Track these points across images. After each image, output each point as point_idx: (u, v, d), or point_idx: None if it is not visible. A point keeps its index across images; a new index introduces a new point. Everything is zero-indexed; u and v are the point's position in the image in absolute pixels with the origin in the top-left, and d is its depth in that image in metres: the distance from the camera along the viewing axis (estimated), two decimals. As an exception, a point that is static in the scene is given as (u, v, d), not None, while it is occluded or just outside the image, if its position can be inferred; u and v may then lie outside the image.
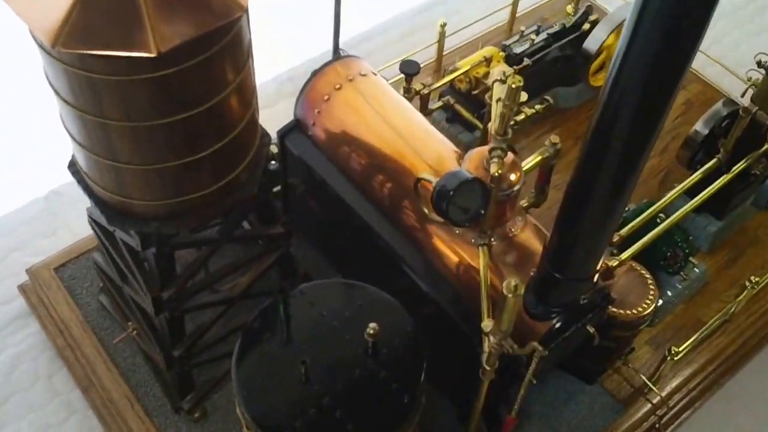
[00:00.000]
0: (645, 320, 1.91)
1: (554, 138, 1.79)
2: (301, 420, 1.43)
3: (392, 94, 1.98)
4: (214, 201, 1.56)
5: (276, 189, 2.10)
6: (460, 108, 2.46)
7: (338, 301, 1.60)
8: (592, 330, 1.69)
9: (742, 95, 2.17)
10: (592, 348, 1.80)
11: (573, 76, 2.63)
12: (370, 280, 1.64)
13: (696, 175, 2.14)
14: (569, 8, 2.94)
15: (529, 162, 1.78)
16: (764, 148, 2.10)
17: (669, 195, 2.10)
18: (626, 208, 2.24)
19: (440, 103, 2.46)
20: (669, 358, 1.98)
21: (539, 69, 2.56)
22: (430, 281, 1.76)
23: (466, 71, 2.39)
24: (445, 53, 2.74)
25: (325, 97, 1.94)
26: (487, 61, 2.39)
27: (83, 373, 2.04)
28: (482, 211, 1.58)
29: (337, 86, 1.94)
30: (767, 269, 2.27)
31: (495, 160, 1.55)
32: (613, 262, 1.90)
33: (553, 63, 2.57)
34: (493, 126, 1.57)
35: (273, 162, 1.81)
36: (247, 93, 1.51)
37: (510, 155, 1.63)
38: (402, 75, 2.17)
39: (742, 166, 2.15)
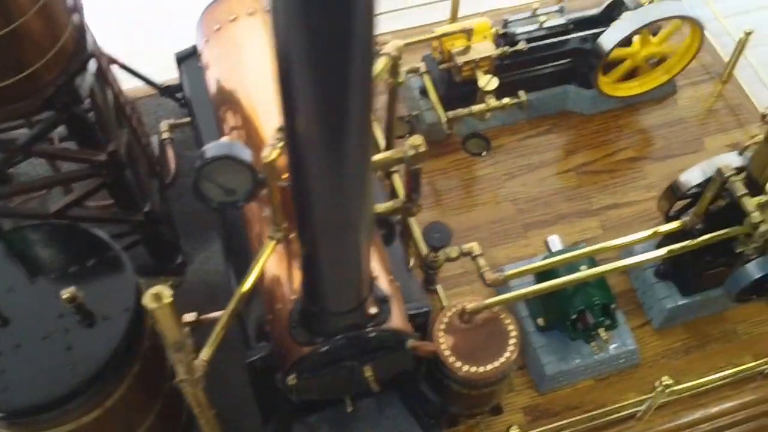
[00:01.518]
0: (487, 382, 1.55)
1: (416, 140, 1.44)
2: None
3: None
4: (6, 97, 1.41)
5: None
6: (427, 79, 2.11)
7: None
8: (369, 372, 1.38)
9: (740, 152, 1.66)
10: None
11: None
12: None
13: (645, 236, 1.69)
14: (643, -2, 2.46)
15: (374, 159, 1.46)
16: (744, 225, 1.60)
17: (598, 246, 1.68)
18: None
19: (407, 68, 2.12)
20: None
21: (544, 59, 2.13)
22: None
23: (439, 38, 2.02)
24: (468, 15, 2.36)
25: (216, 27, 1.70)
26: (467, 33, 2.00)
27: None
28: (249, 197, 1.29)
29: (233, 17, 1.69)
30: (725, 375, 1.80)
31: (273, 143, 1.26)
32: (471, 305, 1.56)
33: (561, 56, 2.13)
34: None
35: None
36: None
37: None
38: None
39: (712, 239, 1.66)
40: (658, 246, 1.86)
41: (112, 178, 1.64)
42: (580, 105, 2.23)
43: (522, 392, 1.82)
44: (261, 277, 1.42)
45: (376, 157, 1.46)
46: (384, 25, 2.37)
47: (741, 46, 2.18)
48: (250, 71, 1.63)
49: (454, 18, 2.33)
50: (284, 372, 1.34)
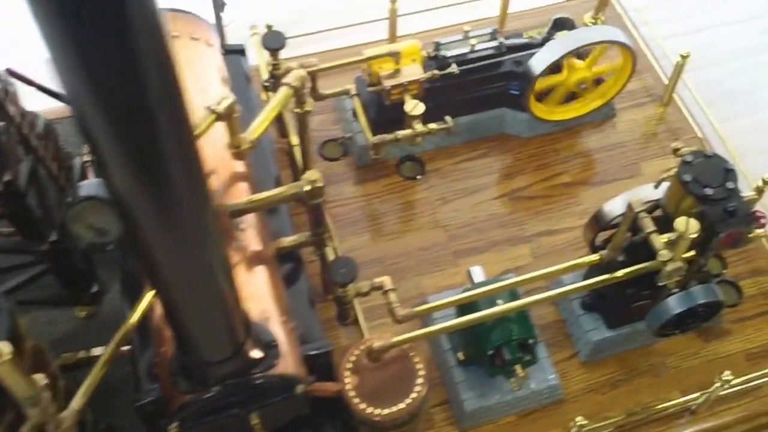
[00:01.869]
0: (394, 423, 1.51)
1: (313, 174, 1.40)
2: None
3: (206, 76, 1.64)
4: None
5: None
6: (357, 102, 2.07)
7: None
8: (255, 420, 1.33)
9: (656, 185, 1.61)
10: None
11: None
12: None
13: (562, 268, 1.65)
14: (587, 17, 2.42)
15: (263, 196, 1.41)
16: (655, 261, 1.55)
17: (516, 278, 1.64)
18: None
19: (338, 90, 2.07)
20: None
21: (477, 82, 2.09)
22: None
23: (366, 61, 1.97)
24: (406, 34, 2.31)
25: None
26: (395, 56, 1.96)
27: None
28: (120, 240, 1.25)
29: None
30: (646, 411, 1.75)
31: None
32: (378, 343, 1.52)
33: (494, 79, 2.09)
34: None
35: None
36: None
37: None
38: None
39: (630, 273, 1.62)
40: (585, 277, 1.83)
41: (10, 209, 1.59)
42: (517, 128, 2.18)
43: (442, 429, 1.78)
44: (151, 313, 1.38)
45: (268, 194, 1.42)
46: (321, 44, 2.37)
47: (678, 70, 2.14)
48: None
49: (392, 38, 2.30)
50: (168, 419, 1.30)
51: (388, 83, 1.96)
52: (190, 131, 0.81)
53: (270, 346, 1.31)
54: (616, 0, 2.46)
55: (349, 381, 1.52)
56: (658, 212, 1.58)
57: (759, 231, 1.65)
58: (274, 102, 1.45)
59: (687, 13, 2.64)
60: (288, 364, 1.34)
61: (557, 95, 2.09)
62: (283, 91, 1.45)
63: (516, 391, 1.74)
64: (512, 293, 1.75)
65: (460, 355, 1.76)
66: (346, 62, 1.95)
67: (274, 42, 1.82)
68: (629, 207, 1.51)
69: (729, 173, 1.48)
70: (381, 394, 1.51)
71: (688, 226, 1.43)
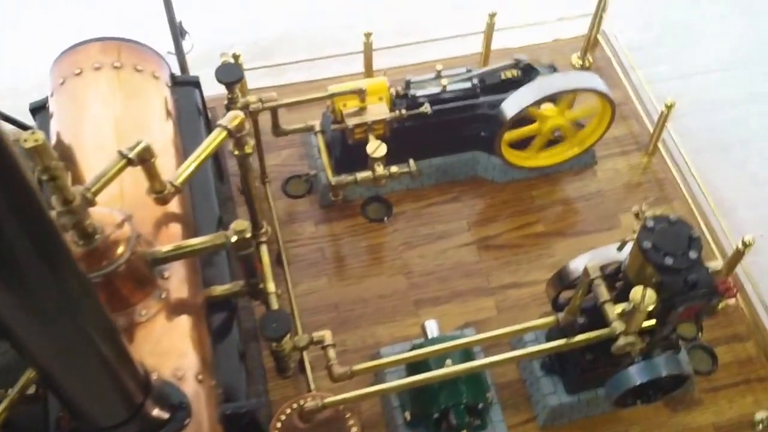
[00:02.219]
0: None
1: (240, 224, 1.31)
2: None
3: (147, 110, 1.57)
4: None
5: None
6: (320, 139, 1.98)
7: None
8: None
9: (620, 248, 1.51)
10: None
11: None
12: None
13: (513, 329, 1.55)
14: (574, 58, 2.33)
15: (185, 245, 1.32)
16: (608, 331, 1.44)
17: (466, 339, 1.54)
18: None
19: (301, 126, 1.99)
20: None
21: (448, 123, 1.99)
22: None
23: (331, 98, 1.89)
24: (384, 68, 2.23)
25: (61, 80, 1.59)
26: (360, 94, 1.87)
27: None
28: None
29: (78, 71, 1.57)
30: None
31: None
32: (309, 403, 1.42)
33: (467, 121, 1.99)
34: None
35: None
36: None
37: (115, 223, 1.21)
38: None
39: (585, 339, 1.51)
40: (547, 337, 1.73)
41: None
42: (491, 172, 2.09)
43: (385, 491, 1.68)
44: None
45: (190, 242, 1.34)
46: (296, 74, 2.30)
47: (663, 120, 2.04)
48: (86, 128, 1.51)
49: (367, 72, 2.22)
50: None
51: (351, 122, 1.88)
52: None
53: (179, 407, 1.22)
54: (606, 41, 2.37)
55: (277, 443, 1.43)
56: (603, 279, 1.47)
57: (729, 301, 1.54)
58: (204, 144, 1.36)
59: (683, 56, 2.53)
60: (200, 425, 1.25)
61: (538, 142, 2.00)
62: (215, 134, 1.37)
63: (464, 457, 1.63)
64: (466, 352, 1.65)
65: (407, 415, 1.65)
66: (308, 99, 1.87)
67: (228, 75, 1.74)
68: (585, 271, 1.41)
69: (693, 242, 1.37)
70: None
71: (644, 297, 1.32)
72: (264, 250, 1.72)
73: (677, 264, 1.35)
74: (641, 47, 2.54)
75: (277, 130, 1.97)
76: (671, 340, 1.62)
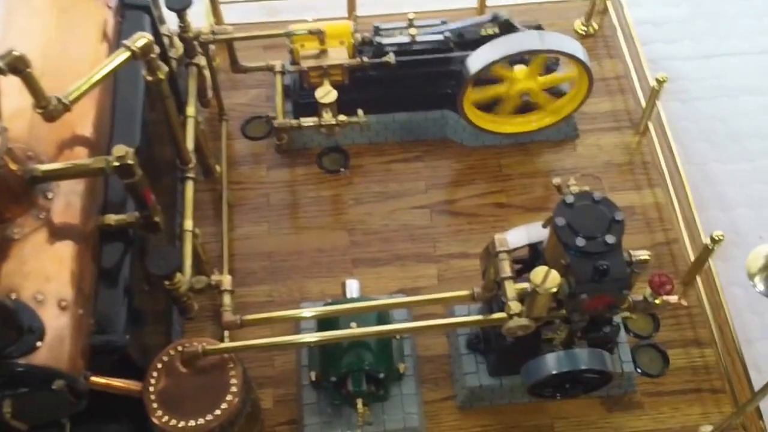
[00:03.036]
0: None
1: (120, 150, 1.23)
2: None
3: (79, 32, 1.49)
4: None
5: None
6: (279, 80, 1.88)
7: None
8: (7, 409, 1.19)
9: (544, 225, 1.36)
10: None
11: (468, 104, 1.89)
12: None
13: (424, 298, 1.43)
14: (578, 23, 2.17)
15: (63, 166, 1.25)
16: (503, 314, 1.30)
17: (376, 302, 1.44)
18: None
19: (261, 64, 1.89)
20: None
21: (415, 76, 1.87)
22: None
23: (287, 36, 1.78)
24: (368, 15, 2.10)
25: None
26: (319, 35, 1.76)
27: None
28: None
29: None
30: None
31: None
32: (189, 348, 1.35)
33: (436, 76, 1.86)
34: None
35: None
36: None
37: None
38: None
39: (475, 321, 1.38)
40: (480, 312, 1.61)
41: None
42: (461, 135, 1.95)
43: (283, 451, 1.60)
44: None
45: (69, 164, 1.26)
46: (290, 15, 2.17)
47: (654, 96, 1.85)
48: (9, 37, 1.44)
49: (350, 15, 2.10)
50: None
51: (306, 64, 1.77)
52: None
53: (29, 331, 1.16)
54: (617, 9, 2.17)
55: (154, 382, 1.36)
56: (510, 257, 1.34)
57: (669, 298, 1.38)
58: (104, 64, 1.28)
59: (708, 38, 2.30)
60: (57, 352, 1.19)
61: (507, 105, 1.85)
62: (117, 53, 1.29)
63: (364, 426, 1.54)
64: (381, 318, 1.55)
65: (312, 375, 1.57)
66: (262, 35, 1.78)
67: (177, 2, 1.66)
68: (492, 244, 1.28)
69: (614, 225, 1.23)
70: (183, 404, 1.34)
71: (545, 278, 1.19)
72: (189, 186, 1.65)
73: (589, 247, 1.21)
74: (663, 22, 2.34)
75: (235, 66, 1.88)
76: (607, 335, 1.48)
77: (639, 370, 1.65)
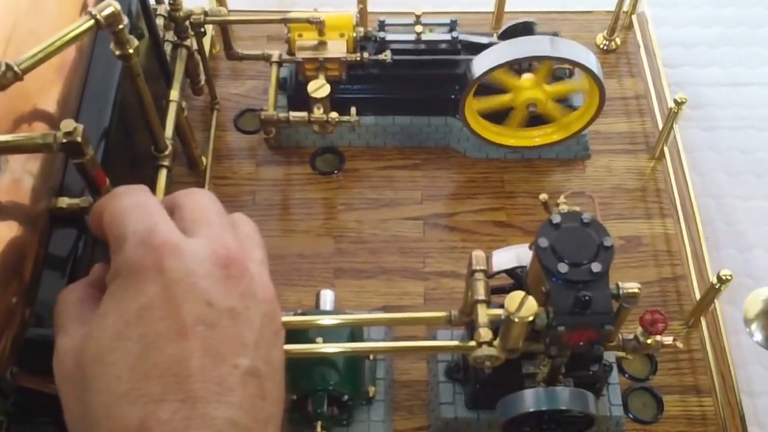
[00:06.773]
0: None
1: (68, 125, 1.13)
2: None
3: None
4: None
5: None
6: (274, 70, 1.77)
7: None
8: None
9: (531, 245, 1.24)
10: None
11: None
12: None
13: (399, 316, 1.31)
14: (600, 37, 2.04)
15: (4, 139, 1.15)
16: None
17: (347, 317, 1.32)
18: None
19: (257, 52, 1.79)
20: None
21: (418, 79, 1.75)
22: None
23: (284, 23, 1.68)
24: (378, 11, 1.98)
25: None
26: (318, 25, 1.65)
27: None
28: None
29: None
30: None
31: None
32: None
33: (441, 79, 1.74)
34: None
35: None
36: None
37: None
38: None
39: (444, 347, 1.24)
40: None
41: None
42: (464, 144, 1.83)
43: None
44: None
45: (11, 136, 1.17)
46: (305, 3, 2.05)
47: (671, 118, 1.72)
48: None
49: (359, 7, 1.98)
50: None
51: (301, 54, 1.67)
52: None
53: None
54: (642, 25, 2.04)
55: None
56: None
57: (662, 339, 1.24)
58: (63, 32, 1.19)
59: (730, 62, 2.13)
60: None
61: (516, 117, 1.73)
62: (79, 21, 1.19)
63: (319, 453, 1.42)
64: (354, 334, 1.43)
65: (273, 389, 1.45)
66: (256, 20, 1.68)
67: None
68: (470, 261, 1.16)
69: (602, 252, 1.10)
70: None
71: (521, 305, 1.06)
72: (162, 174, 1.55)
73: (572, 275, 1.08)
74: (693, 45, 2.19)
75: (229, 52, 1.79)
76: (595, 374, 1.35)
77: (630, 415, 1.51)
